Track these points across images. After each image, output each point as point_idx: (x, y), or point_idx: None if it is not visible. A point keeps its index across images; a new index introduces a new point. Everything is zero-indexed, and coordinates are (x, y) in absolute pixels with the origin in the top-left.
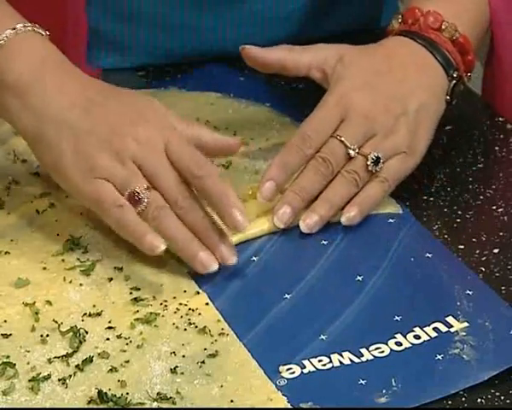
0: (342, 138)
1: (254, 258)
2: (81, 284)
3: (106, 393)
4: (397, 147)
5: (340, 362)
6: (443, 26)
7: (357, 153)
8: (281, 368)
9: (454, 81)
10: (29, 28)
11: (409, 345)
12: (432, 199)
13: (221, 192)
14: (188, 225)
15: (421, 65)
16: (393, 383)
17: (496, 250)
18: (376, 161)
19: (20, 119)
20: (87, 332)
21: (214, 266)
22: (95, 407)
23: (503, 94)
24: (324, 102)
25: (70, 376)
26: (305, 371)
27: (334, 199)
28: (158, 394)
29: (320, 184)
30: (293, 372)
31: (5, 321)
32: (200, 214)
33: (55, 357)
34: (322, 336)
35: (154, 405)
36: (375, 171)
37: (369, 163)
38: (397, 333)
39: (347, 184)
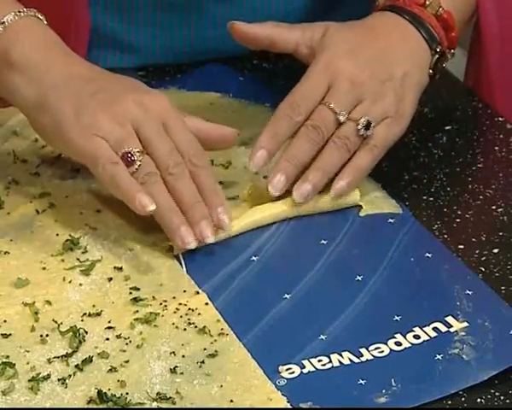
0: (331, 105)
1: (254, 258)
2: (81, 284)
3: (105, 393)
4: (385, 111)
5: (340, 362)
6: (427, 2)
7: (347, 118)
8: (280, 368)
9: (437, 55)
10: (31, 13)
11: (408, 345)
12: (432, 199)
13: (212, 188)
14: (175, 193)
15: (405, 37)
16: (393, 383)
17: (495, 250)
18: (367, 126)
19: (22, 92)
20: (87, 332)
21: (192, 244)
22: (94, 406)
23: (489, 85)
24: (311, 71)
25: (70, 376)
26: (305, 371)
27: (326, 167)
28: (157, 394)
29: (311, 151)
30: (293, 372)
31: (5, 321)
32: (189, 184)
33: (54, 357)
34: (321, 336)
35: (154, 405)
36: (366, 136)
37: (359, 128)
38: (396, 333)
39: (338, 151)
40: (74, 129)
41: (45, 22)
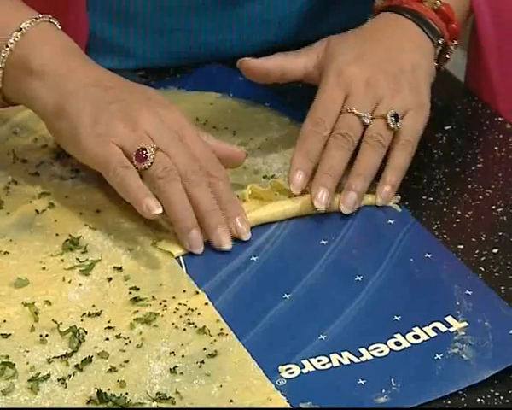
0: (354, 110)
1: (254, 258)
2: (80, 284)
3: (105, 393)
4: (406, 103)
5: (340, 362)
6: None
7: (372, 118)
8: (280, 368)
9: (440, 47)
10: (46, 19)
11: (408, 345)
12: (431, 199)
13: (230, 197)
14: (192, 200)
15: (406, 34)
16: (393, 383)
17: (495, 250)
18: (395, 117)
19: (41, 98)
20: (86, 332)
21: (200, 249)
22: (94, 406)
23: (488, 83)
24: (324, 83)
25: (69, 376)
26: (305, 371)
27: (366, 171)
28: (157, 394)
29: (345, 159)
30: (293, 372)
31: (4, 321)
32: (206, 191)
33: (54, 357)
34: (321, 336)
35: (154, 405)
36: (397, 128)
37: (388, 122)
38: (396, 333)
39: (374, 150)
40: (89, 137)
41: (59, 27)
